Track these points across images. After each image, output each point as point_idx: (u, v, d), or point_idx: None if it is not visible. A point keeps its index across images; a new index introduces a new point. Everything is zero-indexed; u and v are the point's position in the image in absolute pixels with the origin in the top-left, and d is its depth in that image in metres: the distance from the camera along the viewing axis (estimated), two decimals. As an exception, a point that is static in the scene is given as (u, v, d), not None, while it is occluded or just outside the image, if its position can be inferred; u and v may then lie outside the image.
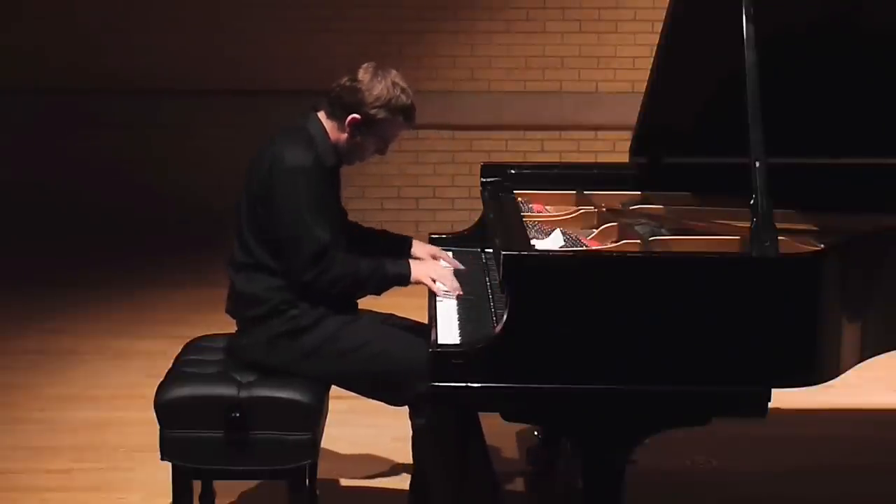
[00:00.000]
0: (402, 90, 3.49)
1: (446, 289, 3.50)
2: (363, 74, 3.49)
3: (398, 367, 3.42)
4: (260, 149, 3.54)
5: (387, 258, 3.58)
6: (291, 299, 3.47)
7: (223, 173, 6.37)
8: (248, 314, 3.53)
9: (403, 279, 3.53)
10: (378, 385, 3.49)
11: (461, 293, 3.50)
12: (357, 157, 3.61)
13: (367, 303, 3.66)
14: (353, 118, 3.49)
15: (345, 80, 3.51)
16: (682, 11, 3.48)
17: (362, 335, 3.49)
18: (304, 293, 3.46)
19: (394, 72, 3.52)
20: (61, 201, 7.66)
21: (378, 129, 3.52)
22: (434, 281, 3.51)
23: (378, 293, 3.57)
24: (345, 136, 3.52)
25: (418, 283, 3.54)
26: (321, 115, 3.55)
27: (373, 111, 3.47)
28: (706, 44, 3.51)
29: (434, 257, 3.72)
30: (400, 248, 3.76)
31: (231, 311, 3.62)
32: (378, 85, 3.46)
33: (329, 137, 3.53)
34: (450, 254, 3.80)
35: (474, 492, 3.56)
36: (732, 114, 3.16)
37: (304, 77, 7.30)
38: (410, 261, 3.60)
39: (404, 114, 3.52)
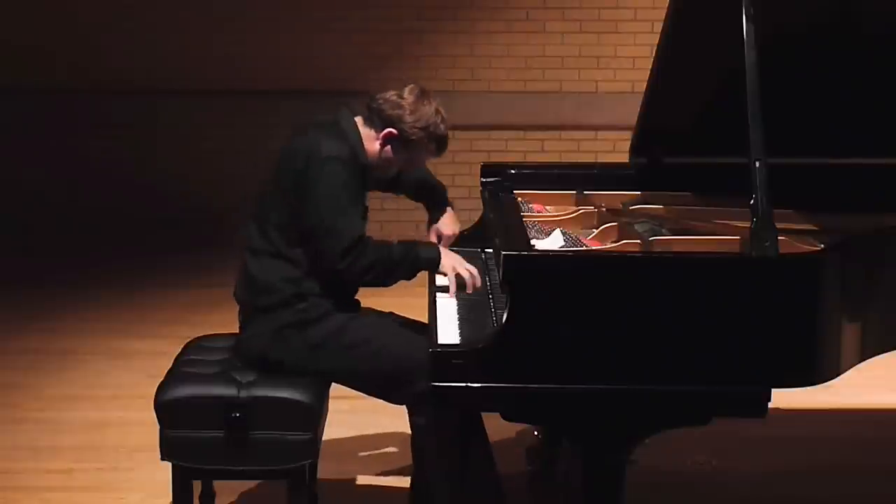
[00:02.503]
0: (443, 120, 3.53)
1: (466, 287, 3.50)
2: (409, 94, 3.52)
3: (399, 364, 3.43)
4: (293, 139, 3.55)
5: (417, 242, 3.58)
6: (302, 292, 3.49)
7: (223, 173, 6.39)
8: (258, 302, 3.53)
9: (434, 264, 3.53)
10: (379, 382, 3.50)
11: (479, 285, 3.51)
12: (382, 171, 3.62)
13: (369, 301, 3.66)
14: (389, 132, 3.51)
15: (390, 95, 3.54)
16: (682, 11, 3.48)
17: (365, 332, 3.50)
18: (331, 281, 3.47)
19: (437, 100, 3.55)
20: (61, 201, 7.66)
21: (410, 149, 3.54)
22: (456, 277, 3.50)
23: (409, 278, 3.56)
24: (377, 146, 3.54)
25: (443, 270, 3.53)
26: (358, 120, 3.57)
27: (411, 130, 3.49)
28: (706, 44, 3.51)
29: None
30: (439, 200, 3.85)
31: (240, 298, 3.62)
32: (423, 108, 3.50)
33: (362, 142, 3.54)
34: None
35: (475, 492, 3.56)
36: (732, 114, 3.16)
37: (304, 77, 7.30)
38: (441, 248, 3.61)
39: (438, 143, 3.56)
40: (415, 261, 3.52)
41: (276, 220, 3.50)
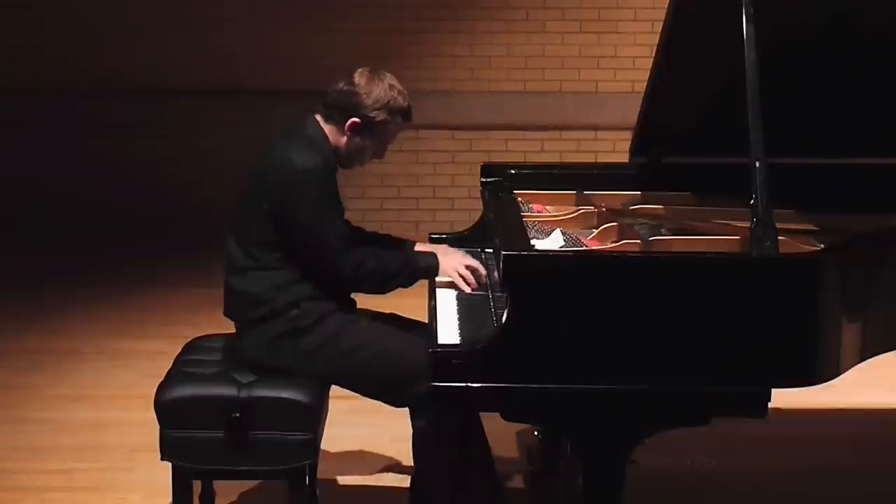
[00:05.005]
0: (399, 92, 3.52)
1: (473, 283, 3.54)
2: (359, 78, 3.50)
3: (398, 367, 3.43)
4: (260, 151, 3.54)
5: (414, 252, 3.63)
6: (293, 299, 3.47)
7: (224, 174, 6.35)
8: (250, 315, 3.52)
9: (432, 271, 3.57)
10: (378, 385, 3.50)
11: (483, 281, 3.54)
12: (358, 161, 3.61)
13: (367, 302, 3.66)
14: (353, 122, 3.49)
15: (341, 85, 3.51)
16: (682, 11, 3.48)
17: (362, 336, 3.50)
18: (334, 288, 3.48)
19: (388, 75, 3.54)
20: (61, 201, 7.66)
21: (378, 131, 3.53)
22: (461, 278, 3.54)
23: (407, 286, 3.59)
24: (344, 139, 3.52)
25: (445, 275, 3.57)
26: (318, 118, 3.55)
27: (373, 113, 3.48)
28: (706, 44, 3.51)
29: None
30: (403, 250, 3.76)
31: (230, 314, 3.61)
32: (376, 88, 3.48)
33: (329, 141, 3.53)
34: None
35: (475, 492, 3.56)
36: (732, 114, 3.16)
37: (304, 77, 7.30)
38: (437, 254, 3.62)
39: (403, 115, 3.55)
40: (413, 271, 3.55)
41: (258, 237, 3.47)
